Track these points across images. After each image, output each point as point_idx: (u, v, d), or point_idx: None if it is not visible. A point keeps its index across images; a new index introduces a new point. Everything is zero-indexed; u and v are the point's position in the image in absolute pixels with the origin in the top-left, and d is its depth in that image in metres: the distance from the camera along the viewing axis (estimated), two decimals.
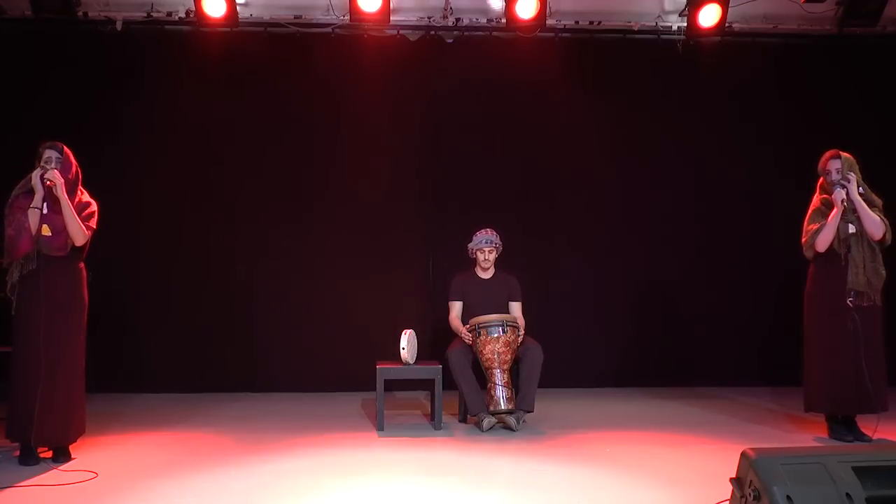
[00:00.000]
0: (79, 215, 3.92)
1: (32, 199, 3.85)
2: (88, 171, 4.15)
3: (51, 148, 3.94)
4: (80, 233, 3.93)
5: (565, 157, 6.47)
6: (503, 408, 4.59)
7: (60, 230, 3.88)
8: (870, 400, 4.24)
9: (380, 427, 4.68)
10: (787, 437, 4.52)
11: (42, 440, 3.87)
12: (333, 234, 6.25)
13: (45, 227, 3.84)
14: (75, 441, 4.00)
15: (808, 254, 4.49)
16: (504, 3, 6.18)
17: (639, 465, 3.84)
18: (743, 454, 2.47)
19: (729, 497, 2.58)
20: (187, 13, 6.14)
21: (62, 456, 3.92)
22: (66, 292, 3.94)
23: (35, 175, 3.85)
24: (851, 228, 4.32)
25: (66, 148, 3.99)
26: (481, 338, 4.69)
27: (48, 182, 3.84)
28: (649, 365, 6.35)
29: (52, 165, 3.89)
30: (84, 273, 4.04)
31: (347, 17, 6.15)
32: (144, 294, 6.08)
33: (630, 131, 6.49)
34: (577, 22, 6.47)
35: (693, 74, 6.48)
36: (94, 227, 4.03)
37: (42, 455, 3.91)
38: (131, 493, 3.36)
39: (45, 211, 3.85)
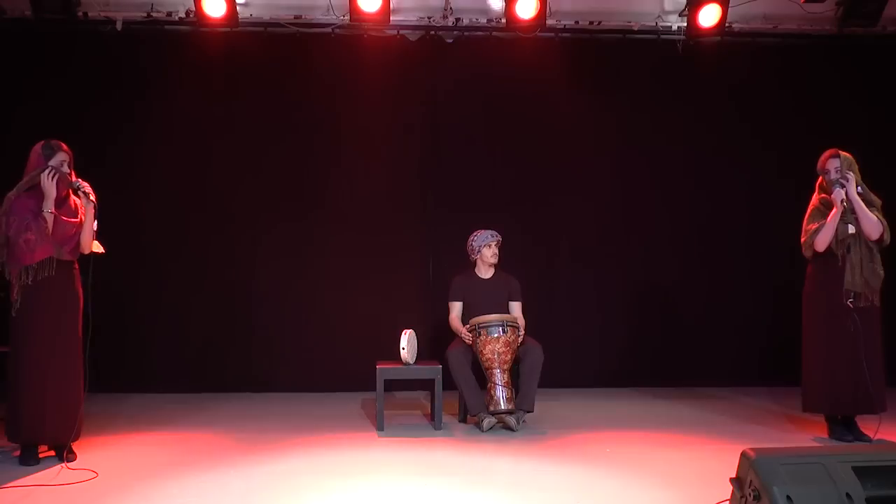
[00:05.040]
0: (75, 219, 3.93)
1: (36, 197, 3.81)
2: (88, 170, 4.16)
3: (60, 150, 3.89)
4: (91, 241, 3.97)
5: (565, 157, 6.47)
6: (503, 408, 4.59)
7: (74, 234, 3.91)
8: (869, 400, 4.24)
9: (380, 427, 4.68)
10: (787, 437, 4.53)
11: (48, 439, 3.90)
12: (333, 233, 6.25)
13: (96, 243, 3.95)
14: (78, 438, 4.00)
15: (807, 253, 4.49)
16: (504, 3, 6.18)
17: (639, 465, 3.84)
18: (743, 454, 2.47)
19: (729, 497, 2.58)
20: (187, 13, 6.14)
21: (69, 453, 3.91)
22: (65, 292, 3.94)
23: (45, 175, 3.79)
24: (851, 229, 4.31)
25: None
26: (481, 338, 4.70)
27: (88, 191, 3.89)
28: (649, 365, 6.35)
29: (65, 169, 3.89)
30: (78, 271, 4.04)
31: (347, 17, 6.15)
32: (144, 294, 6.08)
33: (630, 131, 6.49)
34: (577, 22, 6.47)
35: (693, 74, 6.48)
36: None
37: (42, 455, 3.91)
38: (131, 493, 3.37)
39: (87, 218, 3.92)
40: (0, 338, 4.05)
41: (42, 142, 3.92)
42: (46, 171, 3.80)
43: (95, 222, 3.96)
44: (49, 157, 3.85)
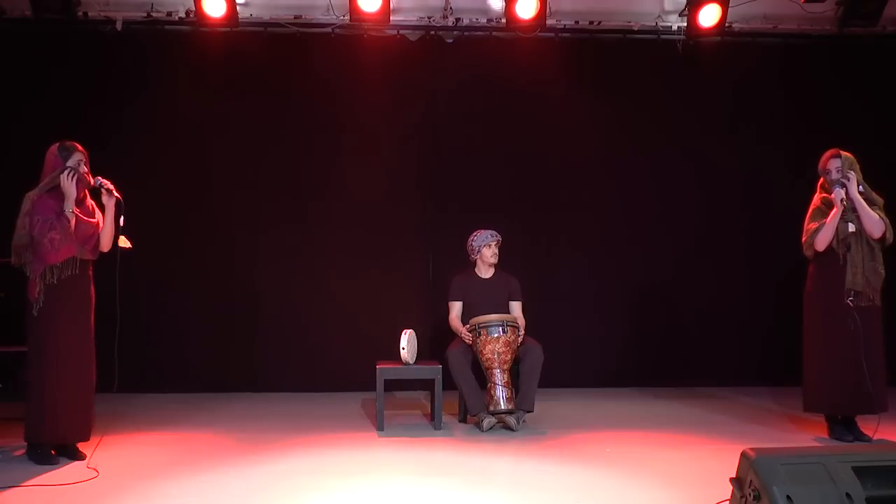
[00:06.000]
0: (94, 219, 3.97)
1: (55, 198, 3.82)
2: (89, 170, 4.15)
3: (75, 150, 3.91)
4: (110, 239, 4.01)
5: (565, 156, 6.46)
6: (503, 408, 4.59)
7: (93, 234, 3.94)
8: (869, 400, 4.24)
9: (380, 427, 4.68)
10: (788, 436, 4.53)
11: (66, 439, 3.92)
12: (333, 233, 6.25)
13: (122, 238, 3.97)
14: (88, 438, 4.02)
15: (808, 253, 4.49)
16: (504, 3, 6.18)
17: (639, 465, 3.84)
18: (743, 454, 2.47)
19: (729, 497, 2.58)
20: (187, 13, 6.14)
21: (78, 452, 3.95)
22: (84, 292, 3.99)
23: (65, 176, 3.81)
24: (851, 227, 4.32)
25: None
26: (481, 338, 4.69)
27: (111, 188, 3.93)
28: (649, 365, 6.35)
29: (83, 168, 3.91)
30: (92, 272, 4.07)
31: (347, 17, 6.15)
32: (144, 294, 6.06)
33: (630, 131, 6.49)
34: (577, 22, 6.47)
35: (693, 74, 6.48)
36: None
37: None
38: (131, 493, 3.37)
39: (107, 216, 3.97)
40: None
41: (57, 143, 3.95)
42: (66, 172, 3.83)
43: (122, 217, 4.00)
44: (66, 158, 3.88)
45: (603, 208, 6.45)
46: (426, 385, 5.16)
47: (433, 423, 4.79)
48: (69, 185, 3.81)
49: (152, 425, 4.82)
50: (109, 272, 4.01)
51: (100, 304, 4.12)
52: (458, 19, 6.40)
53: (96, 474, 3.64)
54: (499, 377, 4.62)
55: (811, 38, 6.51)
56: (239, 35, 6.19)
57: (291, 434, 4.59)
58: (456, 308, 5.06)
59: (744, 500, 2.42)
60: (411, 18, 6.40)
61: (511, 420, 4.65)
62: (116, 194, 3.98)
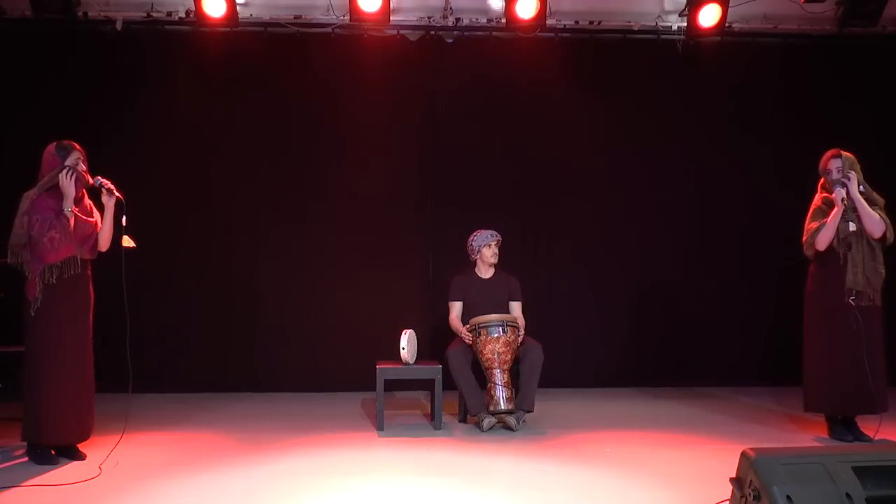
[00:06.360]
0: (92, 219, 3.98)
1: (54, 197, 3.82)
2: (88, 170, 4.15)
3: (73, 149, 3.91)
4: (108, 239, 4.02)
5: (565, 157, 6.46)
6: (503, 408, 4.59)
7: (91, 234, 3.95)
8: (870, 400, 4.24)
9: (380, 427, 4.68)
10: (788, 436, 4.53)
11: (67, 440, 3.92)
12: (333, 233, 6.25)
13: (126, 238, 3.95)
14: (87, 438, 4.03)
15: (809, 253, 4.49)
16: (504, 3, 6.18)
17: (639, 465, 3.85)
18: (743, 454, 2.47)
19: (729, 497, 2.58)
20: (187, 13, 6.14)
21: (78, 452, 3.96)
22: (83, 291, 3.99)
23: (63, 175, 3.81)
24: (852, 227, 4.32)
25: None
26: (481, 338, 4.69)
27: (114, 190, 3.94)
28: (649, 365, 6.35)
29: (81, 167, 3.91)
30: (91, 271, 4.08)
31: (347, 17, 6.15)
32: (143, 294, 6.04)
33: (630, 131, 6.49)
34: (577, 22, 6.47)
35: (693, 74, 6.48)
36: None
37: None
38: (131, 493, 3.37)
39: (105, 216, 3.98)
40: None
41: (54, 143, 3.94)
42: (65, 171, 3.82)
43: (125, 217, 3.99)
44: (64, 157, 3.88)
45: (603, 208, 6.45)
46: (426, 385, 5.16)
47: (433, 423, 4.79)
48: (68, 184, 3.81)
49: (152, 425, 4.82)
50: (111, 272, 4.01)
51: (99, 304, 4.12)
52: (458, 19, 6.40)
53: (100, 471, 3.64)
54: (499, 377, 4.62)
55: (811, 38, 6.51)
56: (239, 35, 6.19)
57: (291, 434, 4.59)
58: (456, 308, 5.06)
59: (744, 500, 2.42)
60: (411, 18, 6.40)
61: (511, 420, 4.65)
62: (117, 194, 3.99)
